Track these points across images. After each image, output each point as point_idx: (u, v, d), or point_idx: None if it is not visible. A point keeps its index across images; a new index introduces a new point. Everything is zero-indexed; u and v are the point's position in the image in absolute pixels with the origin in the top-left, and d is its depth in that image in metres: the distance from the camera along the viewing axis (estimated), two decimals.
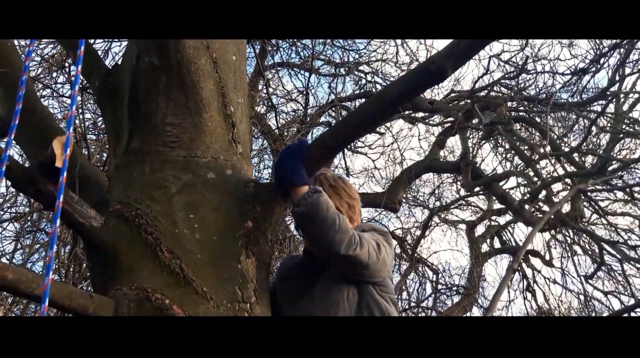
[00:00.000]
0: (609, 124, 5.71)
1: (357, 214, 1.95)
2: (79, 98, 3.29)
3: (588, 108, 5.80)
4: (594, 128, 5.14)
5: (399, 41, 6.98)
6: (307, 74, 7.22)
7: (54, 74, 4.31)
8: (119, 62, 2.00)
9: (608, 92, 5.80)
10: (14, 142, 2.73)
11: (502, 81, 6.24)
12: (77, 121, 3.23)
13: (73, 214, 1.55)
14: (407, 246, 7.40)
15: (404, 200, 7.49)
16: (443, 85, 6.67)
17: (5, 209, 4.20)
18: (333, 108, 7.14)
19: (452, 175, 7.13)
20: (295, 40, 7.42)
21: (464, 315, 6.46)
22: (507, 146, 6.14)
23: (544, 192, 5.78)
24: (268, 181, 6.86)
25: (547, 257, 7.52)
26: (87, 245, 1.66)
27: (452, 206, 7.78)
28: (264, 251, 1.76)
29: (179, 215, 1.69)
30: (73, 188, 2.08)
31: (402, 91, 1.65)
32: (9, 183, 1.74)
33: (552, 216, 6.15)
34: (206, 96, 1.81)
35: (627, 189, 5.08)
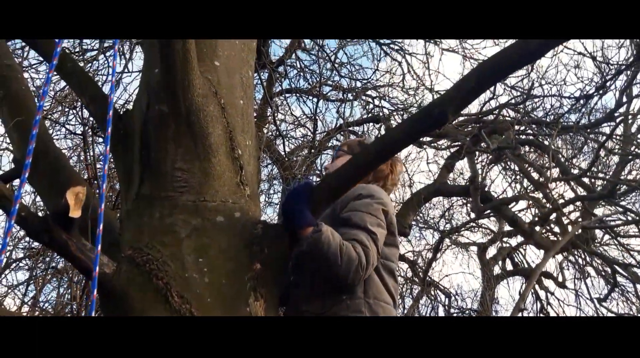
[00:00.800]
0: (617, 146, 5.70)
1: None
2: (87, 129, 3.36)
3: (596, 130, 5.80)
4: (602, 151, 5.12)
5: (405, 67, 7.07)
6: (315, 99, 7.31)
7: (65, 109, 4.40)
8: (130, 108, 2.05)
9: (616, 114, 5.80)
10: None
11: (509, 103, 6.27)
12: (87, 157, 3.29)
13: (87, 262, 1.59)
14: (419, 270, 7.37)
15: (414, 223, 7.49)
16: None
17: (18, 243, 4.26)
18: (341, 133, 7.21)
19: (462, 198, 7.12)
20: (303, 67, 7.53)
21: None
22: (516, 168, 6.14)
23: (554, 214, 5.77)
24: (276, 210, 6.91)
25: (560, 279, 7.46)
26: (100, 290, 1.69)
27: (463, 229, 7.75)
28: (272, 292, 1.79)
29: (189, 259, 1.72)
30: (86, 231, 2.12)
31: (405, 134, 1.69)
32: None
33: (562, 238, 6.11)
34: (214, 141, 1.86)
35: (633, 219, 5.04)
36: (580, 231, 5.11)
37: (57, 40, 1.65)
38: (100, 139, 3.65)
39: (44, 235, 1.56)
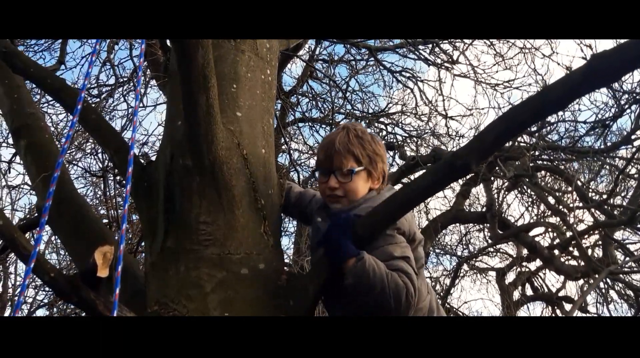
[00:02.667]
0: (635, 171, 5.65)
1: (379, 171, 1.94)
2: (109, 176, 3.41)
3: (613, 154, 5.76)
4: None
5: (417, 94, 7.10)
6: (328, 128, 7.35)
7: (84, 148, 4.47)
8: (153, 159, 2.08)
9: (633, 137, 5.75)
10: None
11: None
12: (107, 199, 3.33)
13: None
14: (437, 297, 7.30)
15: (431, 250, 7.45)
16: (464, 135, 6.74)
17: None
18: None
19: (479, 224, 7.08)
20: (315, 96, 7.59)
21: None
22: (533, 194, 6.10)
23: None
24: (292, 240, 6.89)
25: (582, 303, 7.34)
26: None
27: (481, 254, 7.69)
28: None
29: (214, 314, 1.72)
30: (110, 280, 2.13)
31: (429, 184, 1.69)
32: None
33: (583, 263, 6.04)
34: (238, 193, 1.87)
35: None
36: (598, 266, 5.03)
37: (80, 96, 1.69)
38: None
39: (72, 296, 1.58)
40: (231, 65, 2.08)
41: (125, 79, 6.29)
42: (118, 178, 3.34)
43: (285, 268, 1.95)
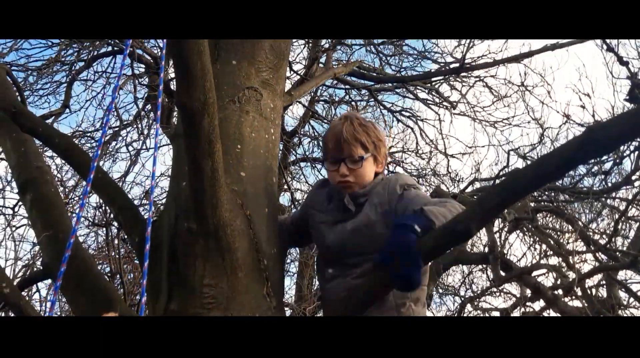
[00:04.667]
0: (637, 209, 5.66)
1: (382, 156, 2.13)
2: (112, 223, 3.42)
3: (613, 195, 5.78)
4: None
5: (418, 133, 7.19)
6: None
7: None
8: (157, 219, 2.10)
9: (633, 178, 5.78)
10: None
11: None
12: (112, 250, 3.34)
13: None
14: None
15: (433, 290, 7.39)
16: (465, 176, 6.78)
17: None
18: None
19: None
20: (317, 135, 7.67)
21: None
22: (535, 237, 6.09)
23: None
24: (293, 279, 6.82)
25: None
26: None
27: (484, 294, 7.63)
28: None
29: None
30: None
31: (430, 251, 1.71)
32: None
33: (586, 304, 5.99)
34: (241, 255, 1.89)
35: None
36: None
37: (92, 165, 1.73)
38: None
39: None
40: (236, 126, 2.13)
41: (128, 122, 6.39)
42: (122, 234, 3.35)
43: None
